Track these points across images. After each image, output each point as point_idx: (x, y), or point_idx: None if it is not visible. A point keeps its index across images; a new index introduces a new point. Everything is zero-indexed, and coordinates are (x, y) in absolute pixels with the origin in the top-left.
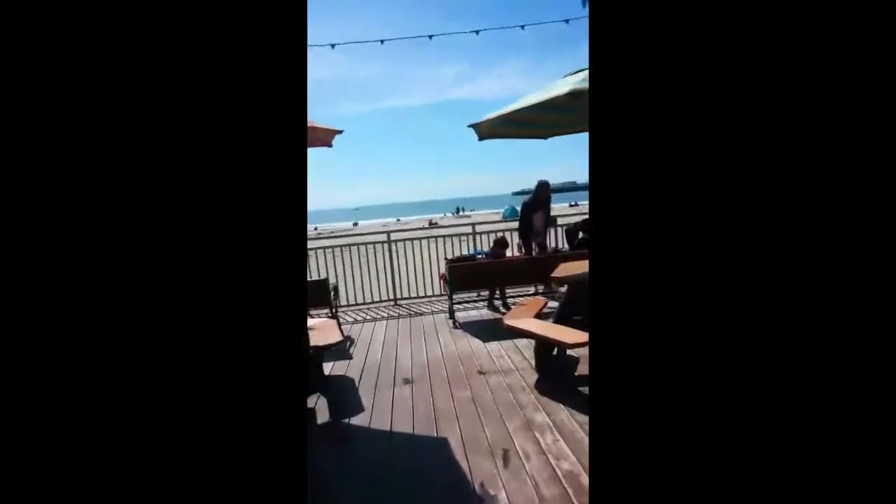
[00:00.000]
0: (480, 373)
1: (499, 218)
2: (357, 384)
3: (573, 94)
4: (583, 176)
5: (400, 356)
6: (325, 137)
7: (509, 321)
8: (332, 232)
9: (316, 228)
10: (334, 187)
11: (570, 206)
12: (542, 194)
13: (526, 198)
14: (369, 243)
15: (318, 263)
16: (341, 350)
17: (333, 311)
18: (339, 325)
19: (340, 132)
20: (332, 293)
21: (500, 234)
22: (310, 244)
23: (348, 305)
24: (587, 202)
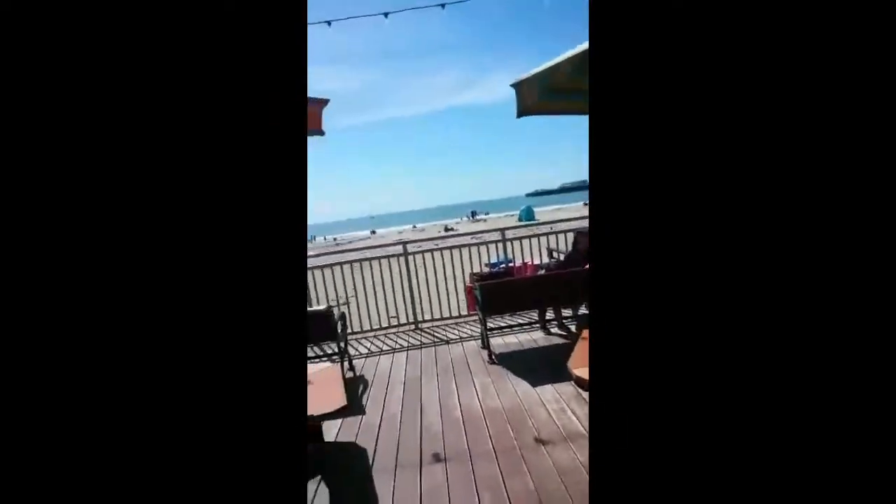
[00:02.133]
0: (539, 441)
1: (515, 221)
2: (371, 460)
3: None
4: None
5: (426, 407)
6: (313, 116)
7: (578, 371)
8: (351, 241)
9: (335, 239)
10: (348, 199)
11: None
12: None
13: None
14: (383, 257)
15: (324, 281)
16: (352, 398)
17: (341, 347)
18: (345, 373)
19: (327, 102)
20: (339, 325)
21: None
22: (316, 261)
23: (362, 332)
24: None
